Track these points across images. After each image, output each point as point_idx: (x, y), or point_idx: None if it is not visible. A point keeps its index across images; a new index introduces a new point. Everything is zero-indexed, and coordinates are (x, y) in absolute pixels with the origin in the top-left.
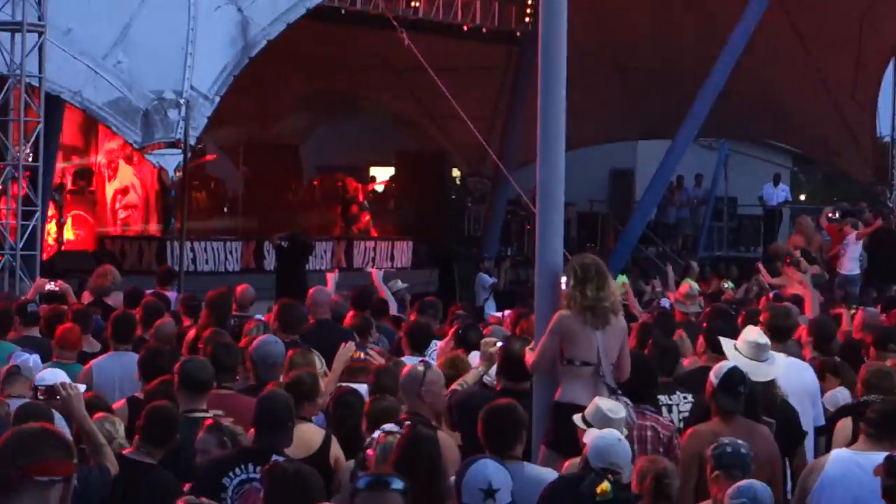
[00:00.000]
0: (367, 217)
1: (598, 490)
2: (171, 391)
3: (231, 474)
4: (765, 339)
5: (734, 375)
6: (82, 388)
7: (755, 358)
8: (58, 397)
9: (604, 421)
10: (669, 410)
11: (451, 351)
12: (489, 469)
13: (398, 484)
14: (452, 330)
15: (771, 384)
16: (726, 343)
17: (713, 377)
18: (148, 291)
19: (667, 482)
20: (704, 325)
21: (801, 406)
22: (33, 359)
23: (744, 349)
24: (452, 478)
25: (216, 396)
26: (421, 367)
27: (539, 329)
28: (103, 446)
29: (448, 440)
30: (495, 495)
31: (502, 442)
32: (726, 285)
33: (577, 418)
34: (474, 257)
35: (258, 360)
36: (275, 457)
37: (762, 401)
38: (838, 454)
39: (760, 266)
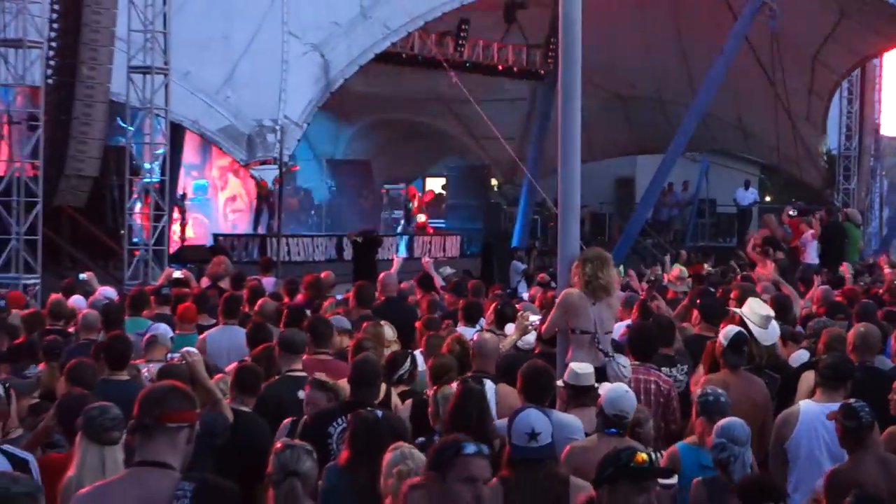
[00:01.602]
0: (425, 217)
1: (637, 459)
2: (272, 356)
3: (335, 424)
4: (769, 311)
5: (740, 338)
6: (199, 355)
7: (762, 326)
8: (184, 362)
9: (575, 378)
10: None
11: (490, 324)
12: (532, 417)
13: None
14: (493, 306)
15: (774, 347)
16: (742, 311)
17: (722, 339)
18: (250, 277)
19: (639, 430)
20: (699, 300)
21: None
22: (163, 327)
23: (752, 317)
24: (496, 421)
25: (316, 361)
26: (488, 335)
27: None
28: (220, 401)
29: (511, 390)
30: (538, 437)
31: (538, 394)
32: (706, 266)
33: (559, 383)
34: (509, 248)
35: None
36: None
37: (771, 360)
38: (807, 405)
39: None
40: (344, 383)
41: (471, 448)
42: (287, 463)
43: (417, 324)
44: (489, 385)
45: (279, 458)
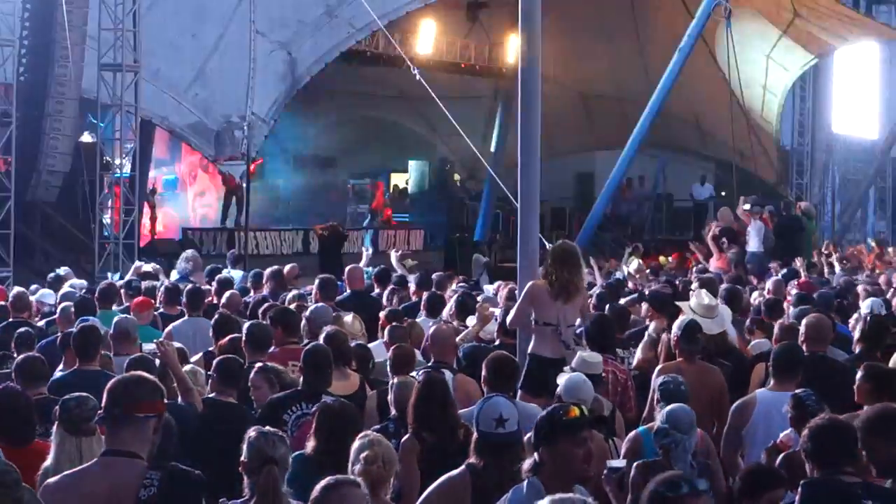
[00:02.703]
0: (389, 211)
1: (571, 413)
2: (238, 346)
3: (290, 411)
4: (714, 301)
5: (691, 326)
6: (177, 345)
7: (706, 315)
8: (160, 351)
9: (583, 366)
10: (622, 361)
11: (452, 315)
12: (500, 403)
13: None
14: (455, 298)
15: (723, 335)
16: (684, 305)
17: (675, 328)
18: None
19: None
20: (647, 293)
21: None
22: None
23: (697, 309)
24: (461, 410)
25: (285, 350)
26: (447, 327)
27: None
28: (192, 390)
29: (469, 380)
30: (505, 424)
31: (504, 383)
32: (661, 259)
33: (566, 369)
34: (471, 242)
35: (312, 318)
36: (324, 396)
37: (721, 347)
38: (762, 394)
39: (708, 238)
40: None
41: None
42: (263, 449)
43: (381, 316)
44: (448, 375)
45: (254, 446)
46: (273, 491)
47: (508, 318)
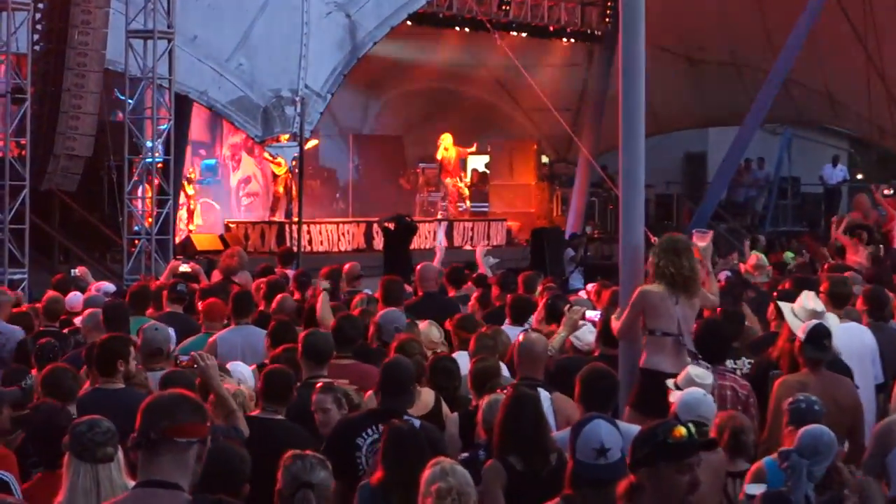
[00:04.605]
0: (468, 201)
1: (675, 433)
2: (293, 358)
3: (364, 434)
4: (820, 306)
5: (820, 329)
6: (213, 360)
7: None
8: (195, 366)
9: (692, 385)
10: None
11: (539, 322)
12: (602, 429)
13: None
14: (543, 301)
15: None
16: (785, 308)
17: (801, 334)
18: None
19: (743, 438)
20: (774, 294)
21: (861, 366)
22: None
23: (801, 314)
24: (554, 433)
25: (337, 365)
26: (534, 336)
27: (624, 298)
28: (235, 411)
29: (570, 401)
30: (607, 454)
31: (601, 401)
32: (787, 254)
33: (669, 382)
34: (560, 235)
35: (382, 324)
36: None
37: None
38: None
39: (838, 234)
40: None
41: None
42: (298, 474)
43: (448, 324)
44: (543, 394)
45: (289, 470)
46: None
47: (614, 327)
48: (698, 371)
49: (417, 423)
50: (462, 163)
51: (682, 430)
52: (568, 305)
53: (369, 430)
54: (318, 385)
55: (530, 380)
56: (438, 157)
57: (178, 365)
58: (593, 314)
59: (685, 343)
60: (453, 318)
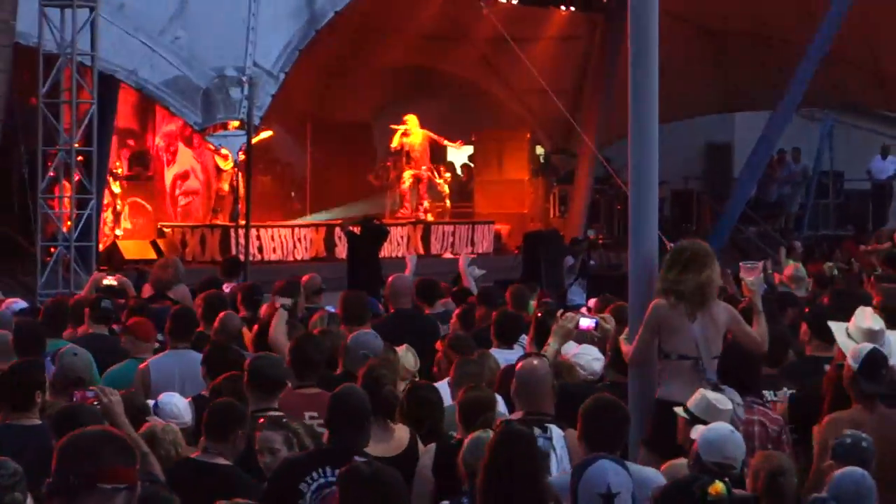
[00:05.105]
0: (448, 201)
1: (712, 490)
2: (238, 388)
3: (308, 479)
4: (879, 324)
5: (876, 358)
6: (118, 394)
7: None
8: (96, 404)
9: (709, 412)
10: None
11: (531, 342)
12: (608, 471)
13: None
14: (534, 318)
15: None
16: (837, 328)
17: (852, 361)
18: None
19: (782, 480)
20: (807, 310)
21: None
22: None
23: (856, 335)
24: (554, 476)
25: (302, 396)
26: (537, 361)
27: (633, 318)
28: (148, 454)
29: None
30: (614, 500)
31: (609, 439)
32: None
33: (679, 410)
34: (558, 240)
35: (353, 348)
36: (355, 458)
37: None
38: None
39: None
40: None
41: None
42: None
43: (439, 344)
44: (555, 431)
45: None
46: None
47: (625, 351)
48: (716, 394)
49: (374, 465)
50: (435, 151)
51: (720, 487)
52: (560, 311)
53: (314, 474)
54: (260, 420)
55: (537, 414)
56: (394, 144)
57: (74, 400)
58: (589, 322)
59: (705, 368)
60: (445, 338)
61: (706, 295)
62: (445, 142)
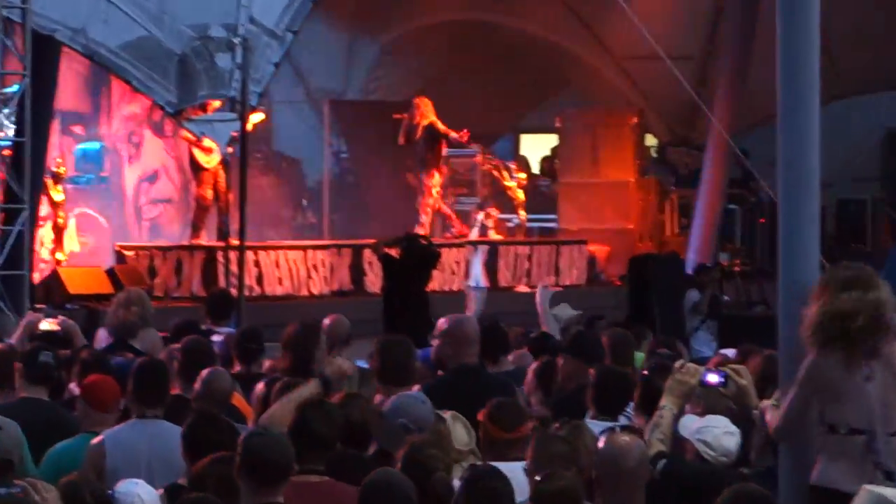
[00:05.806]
0: (522, 211)
1: None
2: (229, 475)
3: None
4: None
5: None
6: (52, 491)
7: None
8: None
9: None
10: None
11: (637, 411)
12: None
13: None
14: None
15: None
16: None
17: None
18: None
19: None
20: None
21: None
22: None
23: None
24: None
25: (297, 485)
26: (628, 437)
27: (785, 375)
28: None
29: None
30: None
31: None
32: None
33: None
34: (681, 267)
35: (388, 417)
36: None
37: None
38: None
39: None
40: None
41: None
42: None
43: (480, 416)
44: None
45: None
46: None
47: (770, 422)
48: (892, 492)
49: None
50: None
51: None
52: (680, 363)
53: None
54: None
55: None
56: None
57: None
58: (717, 377)
59: (878, 449)
60: (487, 405)
61: (880, 326)
62: (453, 134)
